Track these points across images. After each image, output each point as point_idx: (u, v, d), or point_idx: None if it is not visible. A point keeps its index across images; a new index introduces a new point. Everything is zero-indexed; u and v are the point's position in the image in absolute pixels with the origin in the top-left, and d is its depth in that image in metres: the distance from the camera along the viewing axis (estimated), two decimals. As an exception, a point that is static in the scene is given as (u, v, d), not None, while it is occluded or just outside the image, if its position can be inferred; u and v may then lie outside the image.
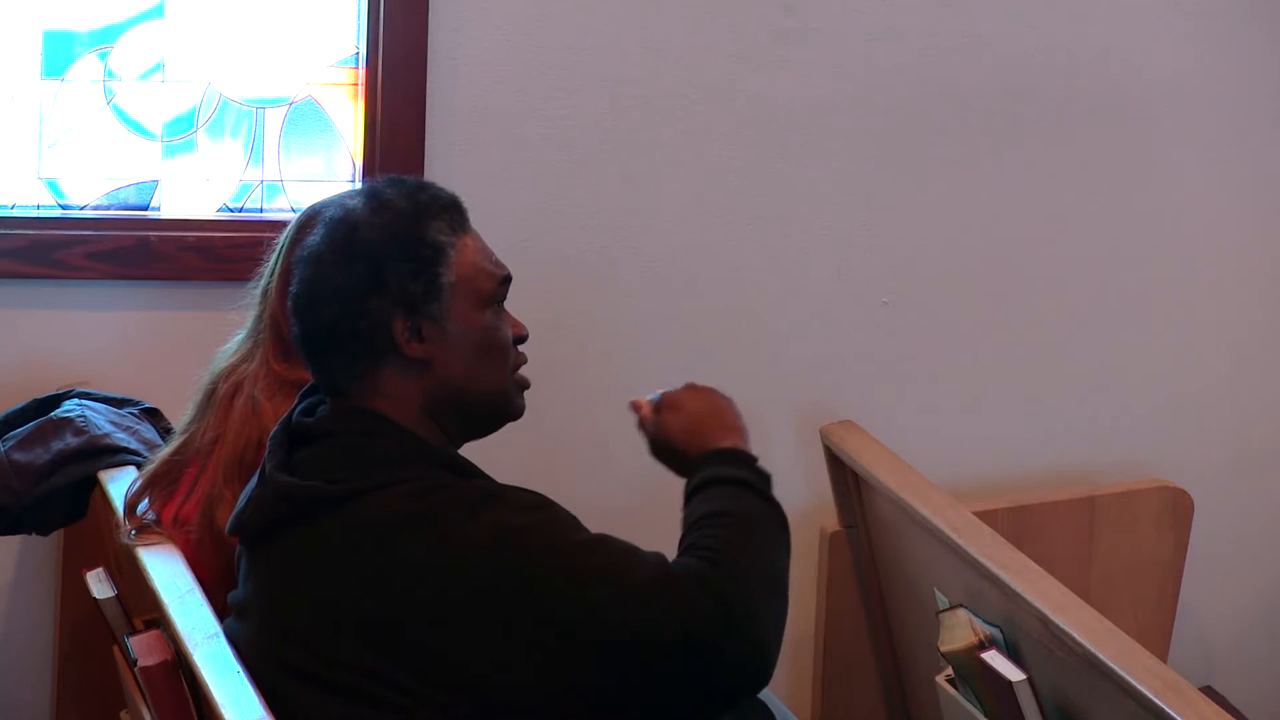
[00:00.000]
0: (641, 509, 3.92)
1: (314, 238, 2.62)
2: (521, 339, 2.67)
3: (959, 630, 3.07)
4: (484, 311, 2.61)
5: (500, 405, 2.65)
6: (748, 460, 2.64)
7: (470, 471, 2.61)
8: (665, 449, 2.74)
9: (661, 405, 2.74)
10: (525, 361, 2.67)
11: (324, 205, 2.91)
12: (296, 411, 2.64)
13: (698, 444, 2.69)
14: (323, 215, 2.66)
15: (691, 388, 2.75)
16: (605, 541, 2.51)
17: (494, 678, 2.45)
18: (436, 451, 2.58)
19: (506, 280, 2.64)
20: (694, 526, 2.59)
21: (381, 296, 2.55)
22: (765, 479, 2.63)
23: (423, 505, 2.49)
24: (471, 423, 2.64)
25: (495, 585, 2.45)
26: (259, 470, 2.63)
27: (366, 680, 2.47)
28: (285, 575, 2.56)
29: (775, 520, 2.60)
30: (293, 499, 2.54)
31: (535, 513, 2.52)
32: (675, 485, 3.93)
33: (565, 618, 2.44)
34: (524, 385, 2.68)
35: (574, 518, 2.56)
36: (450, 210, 2.62)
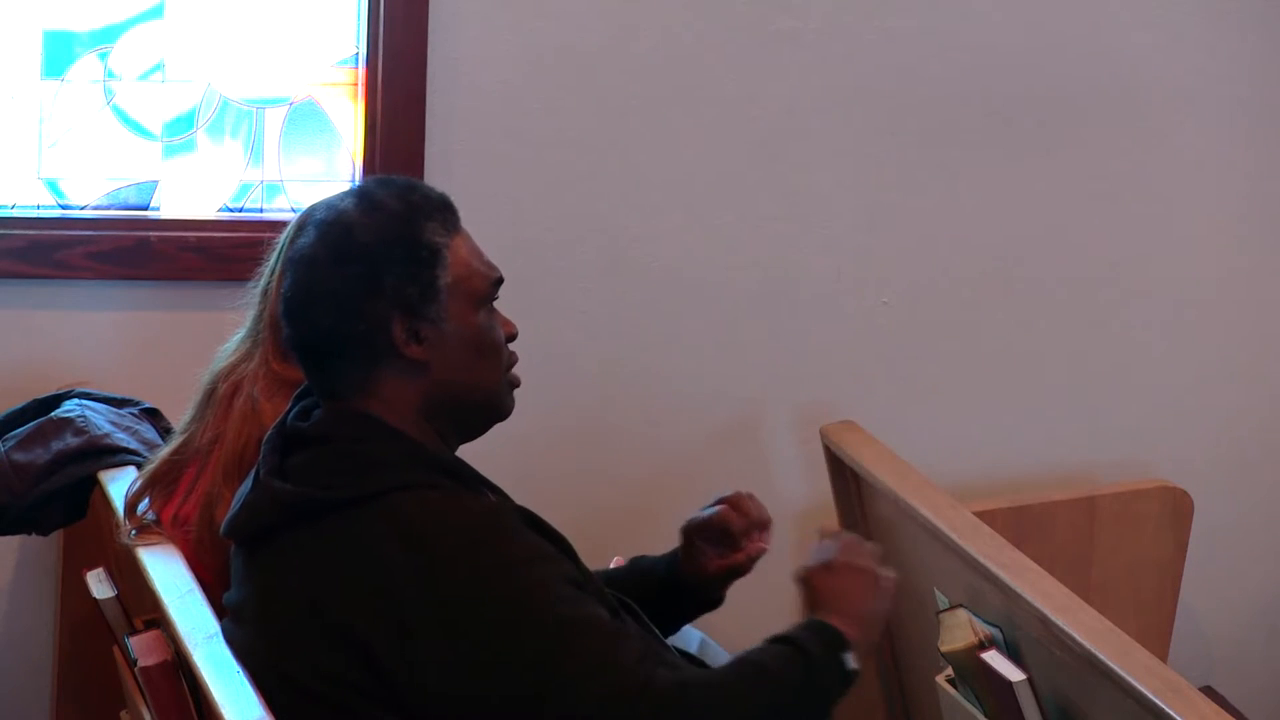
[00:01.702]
0: (641, 507, 3.92)
1: (305, 240, 2.59)
2: (512, 338, 2.66)
3: (959, 630, 3.07)
4: (478, 311, 2.59)
5: (494, 405, 2.64)
6: (838, 646, 2.57)
7: (469, 477, 2.60)
8: (806, 589, 2.69)
9: (824, 564, 2.68)
10: (517, 360, 2.67)
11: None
12: (291, 415, 2.63)
13: (822, 607, 2.63)
14: (312, 218, 2.64)
15: (851, 566, 2.67)
16: (578, 628, 2.47)
17: (455, 707, 2.45)
18: (434, 457, 2.57)
19: (499, 281, 2.63)
20: (735, 659, 2.58)
21: (379, 299, 2.54)
22: (839, 674, 2.57)
23: (417, 522, 2.48)
24: (466, 423, 2.63)
25: (468, 622, 2.44)
26: (252, 473, 2.62)
27: (347, 691, 2.47)
28: (277, 581, 2.56)
29: (806, 710, 2.55)
30: (285, 505, 2.54)
31: (531, 567, 2.50)
32: (674, 487, 3.95)
33: (519, 676, 2.44)
34: (515, 384, 2.66)
35: (569, 570, 2.54)
36: (443, 210, 2.61)
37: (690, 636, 3.13)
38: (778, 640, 2.57)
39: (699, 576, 2.87)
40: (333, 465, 2.54)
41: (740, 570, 2.88)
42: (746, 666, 2.55)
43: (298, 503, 2.53)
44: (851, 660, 2.57)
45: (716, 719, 2.49)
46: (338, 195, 2.66)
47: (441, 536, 2.47)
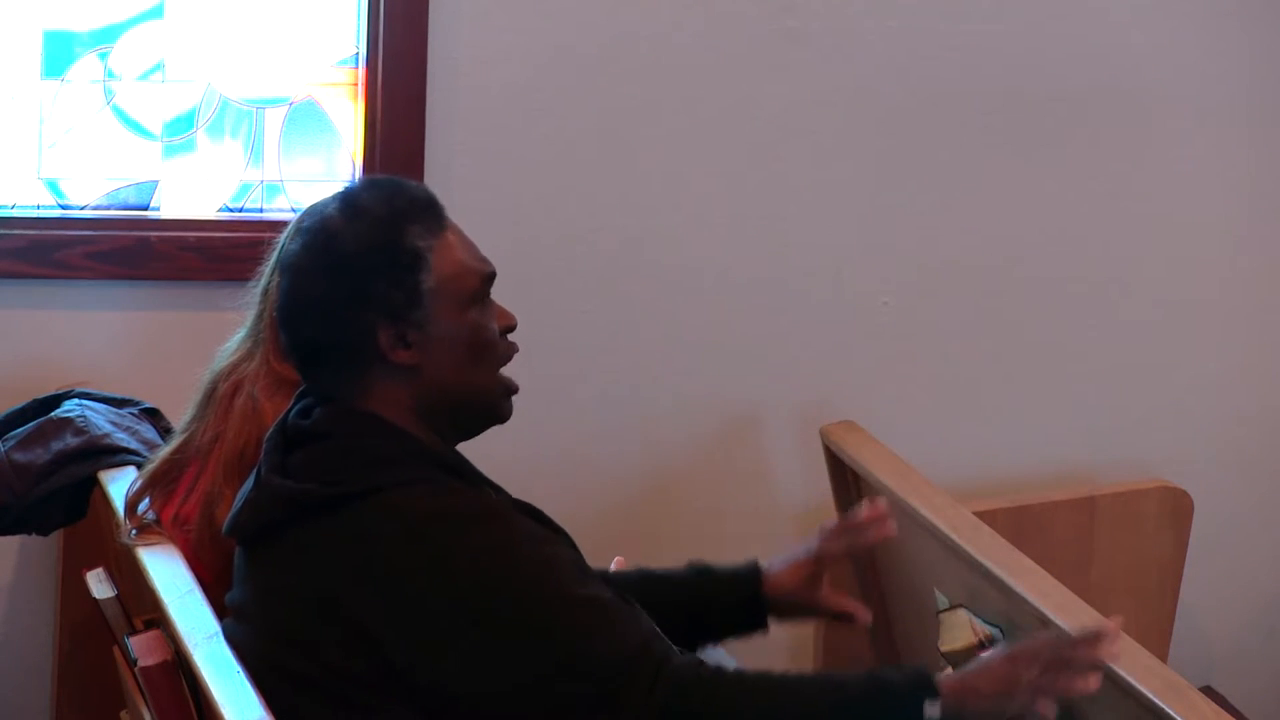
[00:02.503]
0: (641, 507, 3.92)
1: (293, 246, 2.61)
2: (509, 329, 2.65)
3: (959, 630, 3.07)
4: (468, 310, 2.59)
5: (488, 405, 2.63)
6: (923, 689, 2.47)
7: (471, 474, 2.60)
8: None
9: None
10: (516, 350, 2.66)
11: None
12: (292, 413, 2.64)
13: (961, 673, 2.54)
14: (301, 223, 2.65)
15: (1011, 657, 2.53)
16: (591, 603, 2.47)
17: (471, 691, 2.45)
18: (433, 453, 2.57)
19: (490, 277, 2.62)
20: (802, 674, 2.54)
21: (363, 307, 2.54)
22: (909, 714, 2.46)
23: (421, 515, 2.48)
24: (462, 424, 2.63)
25: (479, 610, 2.44)
26: (254, 472, 2.63)
27: (353, 686, 2.47)
28: (280, 578, 2.56)
29: None
30: (288, 502, 2.54)
31: (537, 547, 2.50)
32: (674, 487, 3.95)
33: (535, 659, 2.44)
34: (512, 390, 2.66)
35: (573, 556, 2.54)
36: (426, 212, 2.60)
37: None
38: (874, 674, 2.53)
39: (796, 600, 2.85)
40: (334, 461, 2.54)
41: (842, 618, 2.86)
42: (789, 676, 2.52)
43: (300, 499, 2.53)
44: (933, 710, 2.47)
45: (733, 711, 2.46)
46: (326, 199, 2.66)
47: (444, 527, 2.47)
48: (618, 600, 2.51)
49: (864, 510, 2.84)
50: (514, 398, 2.66)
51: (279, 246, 2.98)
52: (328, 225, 2.58)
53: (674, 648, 2.65)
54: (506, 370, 2.65)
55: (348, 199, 2.61)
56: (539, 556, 2.49)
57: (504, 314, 2.65)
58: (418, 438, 2.57)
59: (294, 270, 2.59)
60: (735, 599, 2.84)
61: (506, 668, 2.44)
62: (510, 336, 2.66)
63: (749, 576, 2.85)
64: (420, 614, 2.45)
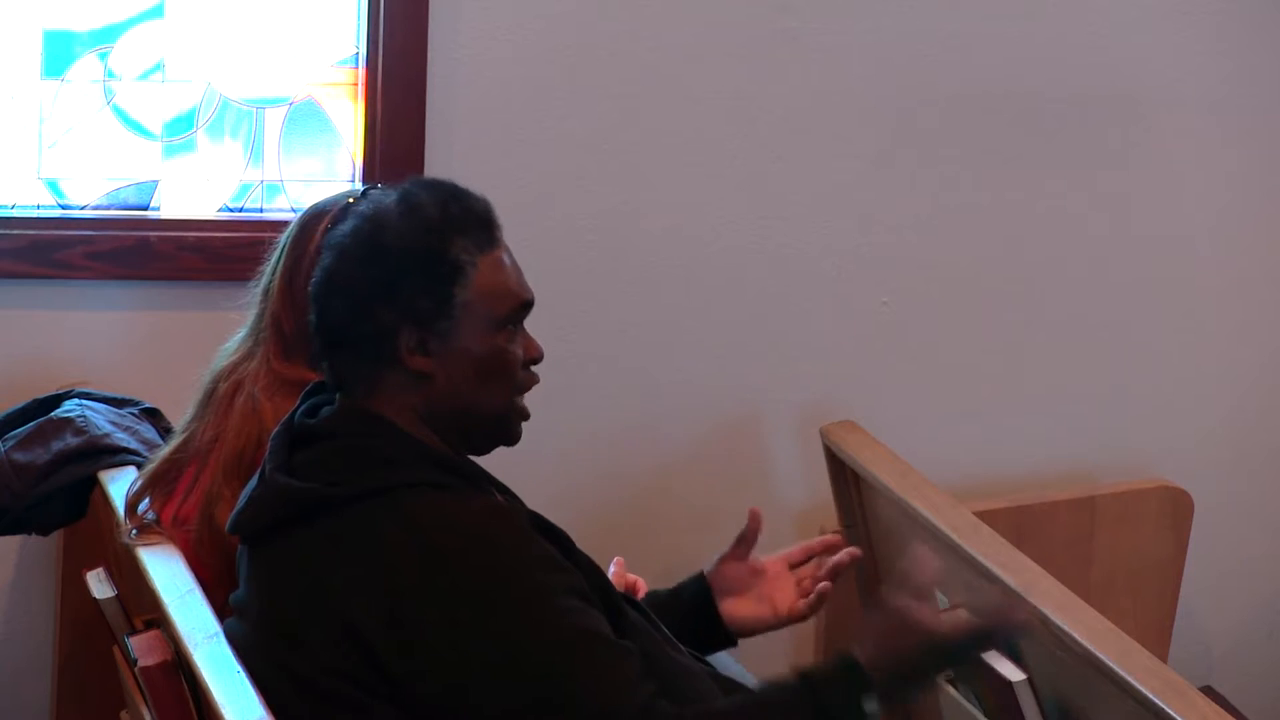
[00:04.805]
0: (641, 507, 3.92)
1: (344, 227, 2.59)
2: (534, 361, 2.64)
3: (959, 630, 3.06)
4: (496, 334, 2.58)
5: (498, 426, 2.62)
6: (860, 688, 2.48)
7: (478, 477, 2.60)
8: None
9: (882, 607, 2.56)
10: (536, 382, 2.64)
11: (328, 204, 2.92)
12: (299, 412, 2.63)
13: (859, 644, 2.52)
14: (355, 206, 2.63)
15: (907, 614, 2.52)
16: (588, 643, 2.46)
17: (451, 706, 2.44)
18: (441, 456, 2.56)
19: (526, 305, 2.61)
20: (745, 696, 2.57)
21: (391, 306, 2.53)
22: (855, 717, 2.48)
23: (425, 521, 2.48)
24: (468, 438, 2.61)
25: (476, 625, 2.43)
26: (259, 470, 2.63)
27: (350, 686, 2.47)
28: (282, 577, 2.55)
29: None
30: (291, 500, 2.53)
31: (545, 574, 2.49)
32: (674, 487, 3.95)
33: (522, 693, 2.43)
34: (523, 416, 2.65)
35: (579, 583, 2.53)
36: (479, 227, 2.58)
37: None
38: (801, 676, 2.53)
39: (749, 617, 2.93)
40: (339, 461, 2.54)
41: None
42: (754, 707, 2.53)
43: (303, 498, 2.52)
44: (872, 703, 2.48)
45: None
46: (346, 193, 2.66)
47: (448, 536, 2.47)
48: (613, 638, 2.49)
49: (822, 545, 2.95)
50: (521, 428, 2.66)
51: (280, 245, 2.98)
52: (380, 215, 2.56)
53: (678, 653, 2.65)
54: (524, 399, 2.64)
55: (406, 195, 2.59)
56: (540, 585, 2.47)
57: (533, 345, 2.64)
58: (422, 440, 2.57)
59: (337, 251, 2.57)
60: (695, 625, 2.88)
61: (488, 683, 2.43)
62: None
63: (703, 598, 2.91)
64: (412, 621, 2.44)
